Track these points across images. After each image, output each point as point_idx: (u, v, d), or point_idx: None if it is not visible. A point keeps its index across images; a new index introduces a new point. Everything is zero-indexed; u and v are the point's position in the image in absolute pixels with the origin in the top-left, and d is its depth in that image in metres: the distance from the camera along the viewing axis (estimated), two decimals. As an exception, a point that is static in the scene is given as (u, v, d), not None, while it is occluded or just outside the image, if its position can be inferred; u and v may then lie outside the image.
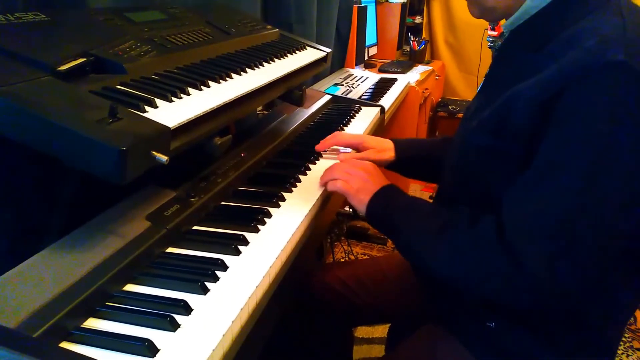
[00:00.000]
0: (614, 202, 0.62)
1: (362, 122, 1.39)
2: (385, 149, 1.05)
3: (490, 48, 0.85)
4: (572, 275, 0.63)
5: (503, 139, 0.69)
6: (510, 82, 0.70)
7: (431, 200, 0.89)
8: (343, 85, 1.94)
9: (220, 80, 0.83)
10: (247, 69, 0.93)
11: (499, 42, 0.82)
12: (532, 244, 0.63)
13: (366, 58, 2.65)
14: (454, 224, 0.72)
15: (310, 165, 1.01)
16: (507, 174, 0.69)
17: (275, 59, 1.05)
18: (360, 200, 0.83)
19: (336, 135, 1.07)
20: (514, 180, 0.68)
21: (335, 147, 1.08)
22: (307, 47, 1.25)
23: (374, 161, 1.03)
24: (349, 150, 1.10)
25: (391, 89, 2.06)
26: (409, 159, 1.05)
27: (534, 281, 0.63)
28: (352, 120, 1.38)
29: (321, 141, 1.06)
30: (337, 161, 0.97)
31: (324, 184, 0.89)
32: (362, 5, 2.38)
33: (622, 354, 1.71)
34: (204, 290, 0.60)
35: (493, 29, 0.83)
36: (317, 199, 0.86)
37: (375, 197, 0.82)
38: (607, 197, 0.61)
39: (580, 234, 0.62)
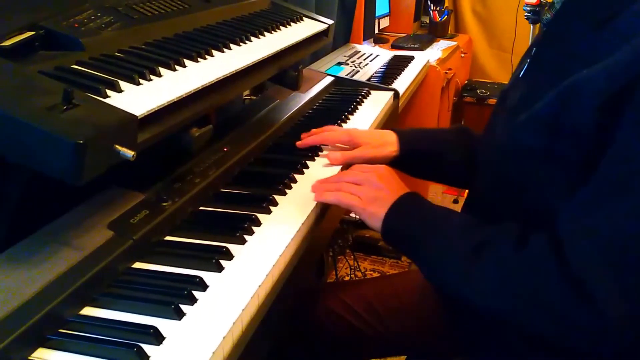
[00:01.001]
0: None
1: (372, 109, 1.39)
2: (385, 142, 1.03)
3: (527, 19, 0.85)
4: None
5: (561, 139, 0.68)
6: (567, 66, 0.69)
7: (455, 205, 0.88)
8: (348, 64, 1.94)
9: (199, 59, 0.83)
10: (231, 45, 0.93)
11: (548, 15, 0.81)
12: (606, 274, 0.61)
13: (376, 32, 2.65)
14: (496, 243, 0.71)
15: (309, 162, 1.01)
16: (566, 181, 0.68)
17: (266, 33, 1.06)
18: (374, 215, 0.81)
19: (324, 133, 1.06)
20: (574, 189, 0.66)
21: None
22: (305, 18, 1.26)
23: (370, 159, 1.03)
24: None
25: (407, 69, 2.07)
26: (415, 154, 1.04)
27: (604, 319, 0.61)
28: (359, 107, 1.38)
29: (305, 137, 1.05)
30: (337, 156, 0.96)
31: (322, 197, 0.86)
32: (372, -33, 2.39)
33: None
34: (179, 315, 0.60)
35: (531, -4, 0.83)
36: (316, 204, 0.86)
37: (393, 209, 0.79)
38: None
39: None
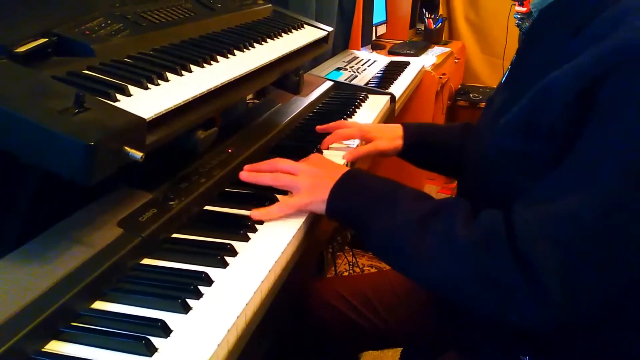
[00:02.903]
0: None
1: (369, 112, 1.39)
2: (395, 136, 1.06)
3: (517, 27, 0.85)
4: (592, 299, 0.62)
5: (536, 140, 0.68)
6: (543, 70, 0.69)
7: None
8: (347, 69, 1.94)
9: (204, 64, 0.83)
10: (235, 51, 0.93)
11: (527, 24, 0.81)
12: (549, 255, 0.61)
13: (374, 38, 2.65)
14: (446, 215, 0.69)
15: (309, 163, 1.01)
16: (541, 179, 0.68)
17: (268, 39, 1.06)
18: (317, 202, 0.77)
19: (336, 132, 1.07)
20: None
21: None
22: (305, 26, 1.26)
23: (382, 152, 1.04)
24: (355, 142, 1.11)
25: (403, 74, 2.07)
26: (418, 146, 1.06)
27: (547, 298, 0.61)
28: (357, 110, 1.38)
29: (321, 129, 1.08)
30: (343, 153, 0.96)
31: (269, 216, 0.78)
32: (369, -24, 2.39)
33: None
34: (186, 309, 0.60)
35: (521, 4, 0.82)
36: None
37: (335, 189, 0.76)
38: None
39: (611, 253, 0.61)
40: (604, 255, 0.61)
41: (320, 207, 0.78)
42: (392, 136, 1.06)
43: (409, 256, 0.70)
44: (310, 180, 0.79)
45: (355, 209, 0.75)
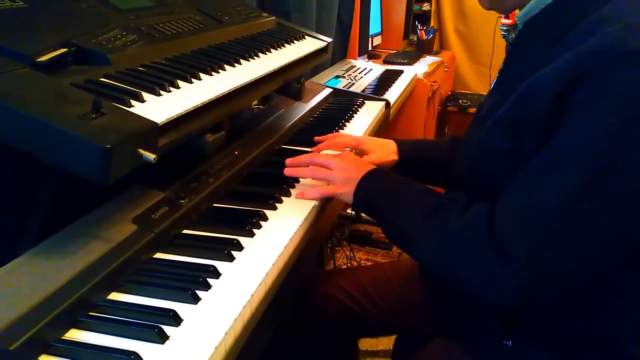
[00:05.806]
0: (611, 210, 0.61)
1: (366, 117, 1.39)
2: (389, 151, 1.05)
3: (503, 38, 0.85)
4: (554, 280, 0.64)
5: (519, 139, 0.69)
6: (525, 77, 0.69)
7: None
8: (345, 77, 1.94)
9: (212, 72, 0.83)
10: (242, 60, 0.93)
11: (513, 35, 0.82)
12: (519, 239, 0.64)
13: (370, 48, 2.65)
14: (446, 208, 0.73)
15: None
16: None
17: (272, 49, 1.06)
18: (347, 194, 0.84)
19: (333, 140, 1.04)
20: None
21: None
22: (306, 37, 1.25)
23: (378, 164, 1.03)
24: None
25: (397, 82, 2.06)
26: (412, 160, 1.05)
27: (517, 276, 0.63)
28: (354, 115, 1.38)
29: (313, 149, 1.02)
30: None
31: (309, 196, 0.87)
32: (366, -9, 2.39)
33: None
34: (195, 299, 0.60)
35: (507, 17, 0.83)
36: (317, 201, 0.86)
37: (360, 183, 0.83)
38: (605, 203, 0.61)
39: (569, 240, 0.62)
40: (565, 239, 0.62)
41: (349, 198, 0.84)
42: (387, 151, 1.05)
43: (412, 237, 0.76)
44: (342, 174, 0.85)
45: (375, 201, 0.81)
